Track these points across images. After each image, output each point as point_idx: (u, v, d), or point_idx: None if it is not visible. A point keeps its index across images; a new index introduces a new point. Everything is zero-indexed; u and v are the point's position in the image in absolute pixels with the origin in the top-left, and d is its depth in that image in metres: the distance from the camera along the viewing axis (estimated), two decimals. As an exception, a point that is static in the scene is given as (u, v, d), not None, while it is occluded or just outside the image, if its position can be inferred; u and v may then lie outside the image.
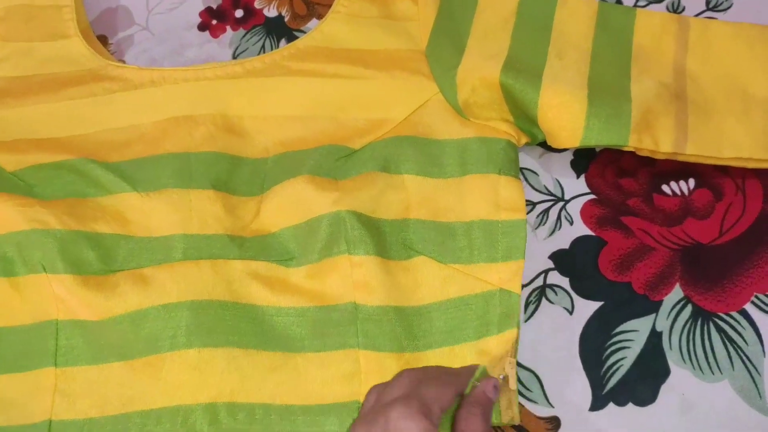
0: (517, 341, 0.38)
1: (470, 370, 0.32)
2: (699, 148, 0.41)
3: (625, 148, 0.41)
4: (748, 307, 0.39)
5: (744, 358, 0.38)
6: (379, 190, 0.42)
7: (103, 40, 0.54)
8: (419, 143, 0.44)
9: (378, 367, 0.38)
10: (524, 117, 0.43)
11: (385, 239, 0.41)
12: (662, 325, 0.39)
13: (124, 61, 0.52)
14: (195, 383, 0.37)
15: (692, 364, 0.38)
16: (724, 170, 0.43)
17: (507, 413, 0.36)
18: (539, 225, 0.43)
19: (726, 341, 0.38)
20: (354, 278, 0.39)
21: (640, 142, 0.40)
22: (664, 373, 0.38)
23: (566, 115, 0.41)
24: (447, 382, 0.30)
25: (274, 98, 0.46)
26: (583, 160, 0.45)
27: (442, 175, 0.43)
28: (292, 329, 0.39)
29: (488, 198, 0.42)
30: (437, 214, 0.42)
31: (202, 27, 0.54)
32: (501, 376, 0.36)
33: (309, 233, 0.41)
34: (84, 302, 0.39)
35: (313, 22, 0.53)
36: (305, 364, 0.38)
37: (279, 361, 0.38)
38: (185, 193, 0.42)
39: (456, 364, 0.37)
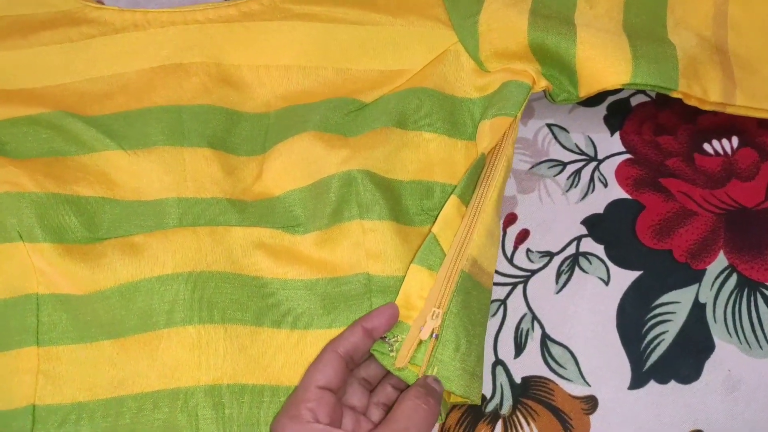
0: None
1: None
2: (749, 99, 0.37)
3: (674, 94, 0.37)
4: (798, 277, 0.36)
5: (794, 331, 0.35)
6: (394, 147, 0.38)
7: (77, -22, 0.48)
8: (438, 98, 0.39)
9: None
10: (556, 66, 0.39)
11: (400, 202, 0.37)
12: (706, 296, 0.36)
13: (102, 2, 0.47)
14: (195, 363, 0.34)
15: (738, 338, 0.35)
16: (770, 127, 0.40)
17: (401, 358, 0.32)
18: (570, 187, 0.40)
19: (775, 313, 0.35)
20: (366, 246, 0.35)
21: (689, 87, 0.37)
22: (708, 347, 0.35)
23: (611, 54, 0.37)
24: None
25: (274, 45, 0.42)
26: (618, 116, 0.41)
27: (461, 136, 0.39)
28: (300, 304, 0.35)
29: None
30: (458, 179, 0.38)
31: (189, -35, 0.49)
32: (434, 334, 0.32)
33: (317, 196, 0.37)
34: (67, 274, 0.35)
35: (316, -41, 0.48)
36: (315, 342, 0.35)
37: (286, 340, 0.35)
38: (178, 151, 0.38)
39: None
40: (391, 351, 0.33)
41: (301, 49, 0.41)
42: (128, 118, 0.39)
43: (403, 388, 0.33)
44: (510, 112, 0.38)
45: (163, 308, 0.34)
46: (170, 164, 0.38)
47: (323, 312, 0.35)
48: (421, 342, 0.33)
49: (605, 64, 0.37)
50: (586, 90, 0.38)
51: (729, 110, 0.38)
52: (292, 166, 0.38)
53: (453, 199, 0.36)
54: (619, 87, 0.37)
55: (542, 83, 0.39)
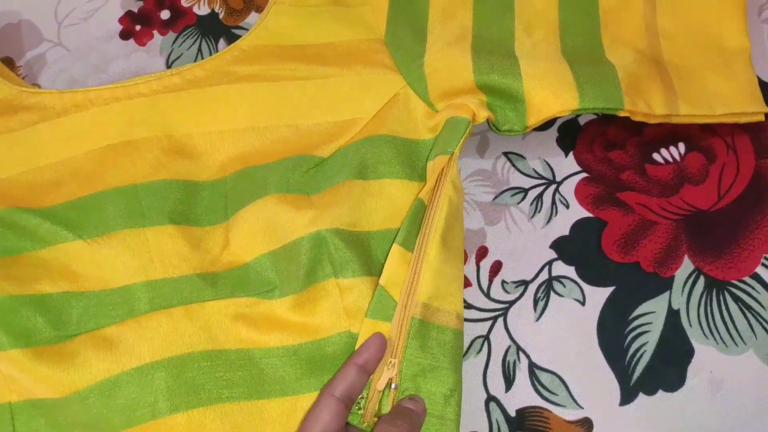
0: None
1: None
2: (691, 107, 0.39)
3: (621, 113, 0.38)
4: (760, 270, 0.38)
5: (765, 323, 0.36)
6: (358, 199, 0.38)
7: (8, 63, 0.47)
8: (395, 143, 0.39)
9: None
10: (503, 97, 0.40)
11: (371, 254, 0.37)
12: (678, 302, 0.37)
13: (39, 86, 0.46)
14: (188, 451, 0.33)
15: (715, 339, 0.36)
16: (712, 130, 0.42)
17: (367, 414, 0.33)
18: (534, 213, 0.40)
19: (744, 309, 0.37)
20: (345, 304, 0.35)
21: (634, 105, 0.38)
22: (688, 352, 0.36)
23: (556, 84, 0.38)
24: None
25: (223, 110, 0.41)
26: (569, 136, 0.42)
27: (420, 179, 0.39)
28: (286, 370, 0.35)
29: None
30: None
31: (124, 35, 0.48)
32: (392, 384, 0.33)
33: (288, 259, 0.36)
34: (40, 379, 0.33)
35: (253, 16, 0.48)
36: (306, 406, 0.34)
37: (278, 409, 0.34)
38: (140, 232, 0.37)
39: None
40: (359, 409, 0.33)
41: (252, 111, 0.41)
42: (83, 205, 0.38)
43: None
44: (448, 150, 0.38)
45: (146, 400, 0.33)
46: (134, 248, 0.37)
47: (311, 375, 0.35)
48: (382, 394, 0.33)
49: (551, 93, 0.38)
50: (535, 118, 0.39)
51: (674, 120, 0.39)
52: (260, 231, 0.37)
53: (395, 248, 0.36)
54: (567, 114, 0.38)
55: (483, 114, 0.39)
